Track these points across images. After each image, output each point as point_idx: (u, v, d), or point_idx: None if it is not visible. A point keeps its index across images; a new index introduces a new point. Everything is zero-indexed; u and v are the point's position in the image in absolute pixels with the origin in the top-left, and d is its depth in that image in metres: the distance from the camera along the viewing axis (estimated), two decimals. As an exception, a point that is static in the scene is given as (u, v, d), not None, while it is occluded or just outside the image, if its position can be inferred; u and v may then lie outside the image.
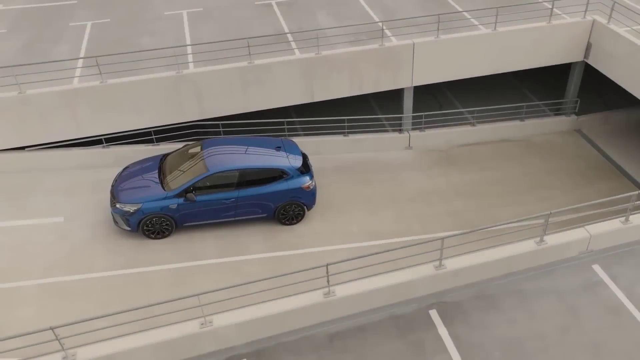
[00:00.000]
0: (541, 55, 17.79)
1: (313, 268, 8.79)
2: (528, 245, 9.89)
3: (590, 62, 17.94)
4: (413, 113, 18.35)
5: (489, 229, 9.51)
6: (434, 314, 9.61)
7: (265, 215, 14.55)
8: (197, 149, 14.76)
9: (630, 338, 8.96)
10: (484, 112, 19.99)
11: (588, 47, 17.84)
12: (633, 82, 16.37)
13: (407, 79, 17.17)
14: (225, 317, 8.87)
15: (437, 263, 9.58)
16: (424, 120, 18.33)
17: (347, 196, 16.20)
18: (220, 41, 15.20)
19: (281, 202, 14.44)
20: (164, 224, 13.97)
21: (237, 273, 13.39)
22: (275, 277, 8.82)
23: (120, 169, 16.19)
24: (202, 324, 8.80)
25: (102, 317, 8.10)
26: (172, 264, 13.55)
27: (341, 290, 9.22)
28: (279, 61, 15.92)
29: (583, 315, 9.51)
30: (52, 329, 7.84)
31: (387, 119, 19.91)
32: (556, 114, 19.83)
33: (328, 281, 8.94)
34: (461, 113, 20.13)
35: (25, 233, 14.07)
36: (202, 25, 18.36)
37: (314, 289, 9.19)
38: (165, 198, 13.70)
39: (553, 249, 10.01)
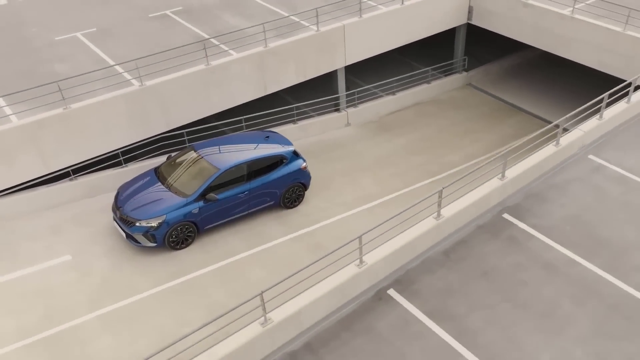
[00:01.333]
0: (437, 23, 21.45)
1: (429, 195, 10.69)
2: (550, 149, 12.92)
3: (474, 22, 22.09)
4: (328, 97, 20.65)
5: (510, 148, 12.30)
6: (506, 216, 12.08)
7: (272, 202, 15.71)
8: (191, 154, 15.36)
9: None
10: (397, 82, 23.11)
11: (470, 11, 21.96)
12: (516, 31, 20.76)
13: (341, 59, 19.49)
14: (374, 255, 10.28)
15: (500, 175, 12.10)
16: (356, 97, 20.81)
17: (324, 174, 17.95)
18: (171, 49, 15.85)
19: (285, 186, 15.74)
20: (187, 232, 14.40)
21: (275, 256, 14.45)
22: (397, 215, 10.51)
23: (103, 194, 16.00)
24: (358, 265, 10.12)
25: (292, 275, 9.06)
26: (211, 265, 14.10)
27: (447, 211, 11.22)
28: (234, 59, 17.09)
29: (605, 188, 12.78)
30: (262, 293, 8.60)
31: (305, 105, 21.95)
32: (447, 75, 23.73)
33: (439, 204, 10.90)
34: (369, 88, 22.99)
35: (40, 279, 13.41)
36: (111, 44, 18.29)
37: (426, 217, 11.09)
38: (186, 204, 14.18)
39: (565, 148, 13.15)
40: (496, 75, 24.42)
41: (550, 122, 21.25)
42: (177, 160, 15.32)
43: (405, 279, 10.73)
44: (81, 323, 12.29)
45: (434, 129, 20.86)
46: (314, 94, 22.42)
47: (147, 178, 15.08)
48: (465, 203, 11.38)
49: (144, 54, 17.57)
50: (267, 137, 16.15)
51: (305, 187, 16.27)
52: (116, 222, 14.46)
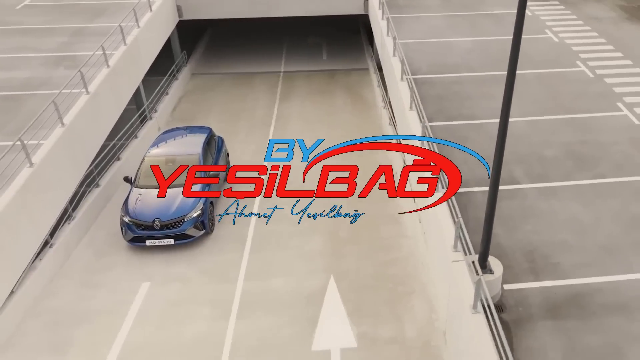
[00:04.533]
0: (171, 24, 25.30)
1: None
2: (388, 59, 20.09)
3: (185, 17, 26.45)
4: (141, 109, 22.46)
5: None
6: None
7: (225, 172, 18.05)
8: (154, 159, 16.32)
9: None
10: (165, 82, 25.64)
11: (179, 9, 26.29)
12: (230, 11, 26.37)
13: (142, 67, 21.68)
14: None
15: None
16: (155, 101, 23.15)
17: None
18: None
19: (225, 158, 18.37)
20: (212, 211, 16.01)
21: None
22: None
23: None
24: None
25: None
26: (251, 223, 16.12)
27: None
28: (100, 82, 17.73)
29: (422, 49, 20.61)
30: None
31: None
32: (178, 72, 27.31)
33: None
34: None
35: (160, 302, 13.46)
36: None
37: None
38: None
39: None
40: (203, 59, 29.62)
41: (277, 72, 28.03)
42: (148, 169, 15.89)
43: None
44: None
45: (223, 105, 24.73)
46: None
47: (142, 193, 15.56)
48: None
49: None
50: (187, 127, 18.42)
51: (228, 156, 19.06)
52: (155, 237, 14.85)
